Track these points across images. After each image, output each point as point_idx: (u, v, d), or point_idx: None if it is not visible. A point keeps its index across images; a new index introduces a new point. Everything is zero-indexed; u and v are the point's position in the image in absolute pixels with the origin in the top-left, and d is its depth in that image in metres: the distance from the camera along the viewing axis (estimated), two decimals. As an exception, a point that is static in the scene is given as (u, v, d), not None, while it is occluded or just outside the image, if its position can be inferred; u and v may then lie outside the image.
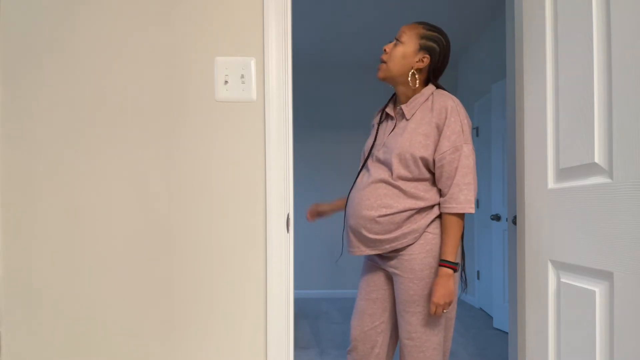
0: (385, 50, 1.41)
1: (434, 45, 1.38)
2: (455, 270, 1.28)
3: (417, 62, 1.37)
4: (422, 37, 1.38)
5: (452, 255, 1.29)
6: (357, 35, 4.11)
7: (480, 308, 4.17)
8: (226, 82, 1.23)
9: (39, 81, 1.23)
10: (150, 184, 1.23)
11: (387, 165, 1.35)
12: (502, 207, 3.46)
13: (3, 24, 1.23)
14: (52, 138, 1.23)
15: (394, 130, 1.39)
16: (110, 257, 1.23)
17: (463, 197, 1.28)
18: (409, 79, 1.37)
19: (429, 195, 1.34)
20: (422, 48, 1.37)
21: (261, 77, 1.24)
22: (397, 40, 1.39)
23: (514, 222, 1.51)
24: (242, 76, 1.23)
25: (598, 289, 0.89)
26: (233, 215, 1.23)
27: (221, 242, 1.23)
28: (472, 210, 1.28)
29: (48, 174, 1.23)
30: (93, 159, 1.23)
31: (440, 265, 1.29)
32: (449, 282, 1.27)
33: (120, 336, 1.24)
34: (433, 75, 1.41)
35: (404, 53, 1.37)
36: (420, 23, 1.41)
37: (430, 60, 1.38)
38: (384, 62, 1.40)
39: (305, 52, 4.54)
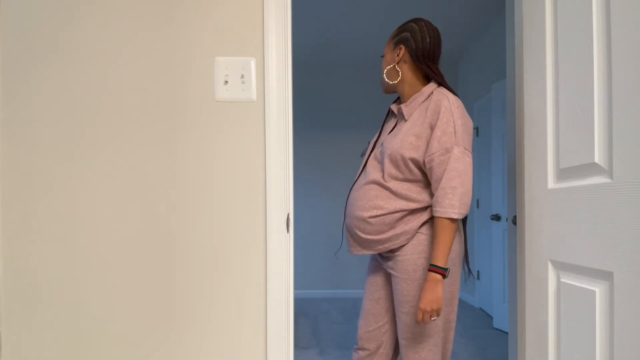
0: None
1: (405, 34, 1.39)
2: (444, 276, 1.22)
3: (395, 57, 1.41)
4: (394, 37, 1.43)
5: (441, 260, 1.23)
6: (357, 35, 4.11)
7: (480, 308, 4.17)
8: (226, 82, 1.23)
9: (39, 81, 1.23)
10: (150, 184, 1.23)
11: (381, 164, 1.36)
12: (502, 207, 3.45)
13: (3, 24, 1.23)
14: (52, 138, 1.23)
15: (393, 130, 1.41)
16: (110, 256, 1.23)
17: (447, 202, 1.22)
18: (391, 76, 1.43)
19: (422, 197, 1.32)
20: (396, 44, 1.41)
21: (261, 77, 1.24)
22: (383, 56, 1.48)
23: (514, 222, 1.51)
24: (242, 76, 1.23)
25: (598, 289, 0.89)
26: (233, 215, 1.23)
27: (221, 242, 1.23)
28: (455, 216, 1.22)
29: (48, 174, 1.23)
30: (93, 159, 1.23)
31: (429, 270, 1.24)
32: (436, 288, 1.21)
33: (121, 336, 1.24)
34: (425, 61, 1.36)
35: (387, 60, 1.45)
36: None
37: (406, 48, 1.38)
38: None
39: (305, 53, 4.54)
